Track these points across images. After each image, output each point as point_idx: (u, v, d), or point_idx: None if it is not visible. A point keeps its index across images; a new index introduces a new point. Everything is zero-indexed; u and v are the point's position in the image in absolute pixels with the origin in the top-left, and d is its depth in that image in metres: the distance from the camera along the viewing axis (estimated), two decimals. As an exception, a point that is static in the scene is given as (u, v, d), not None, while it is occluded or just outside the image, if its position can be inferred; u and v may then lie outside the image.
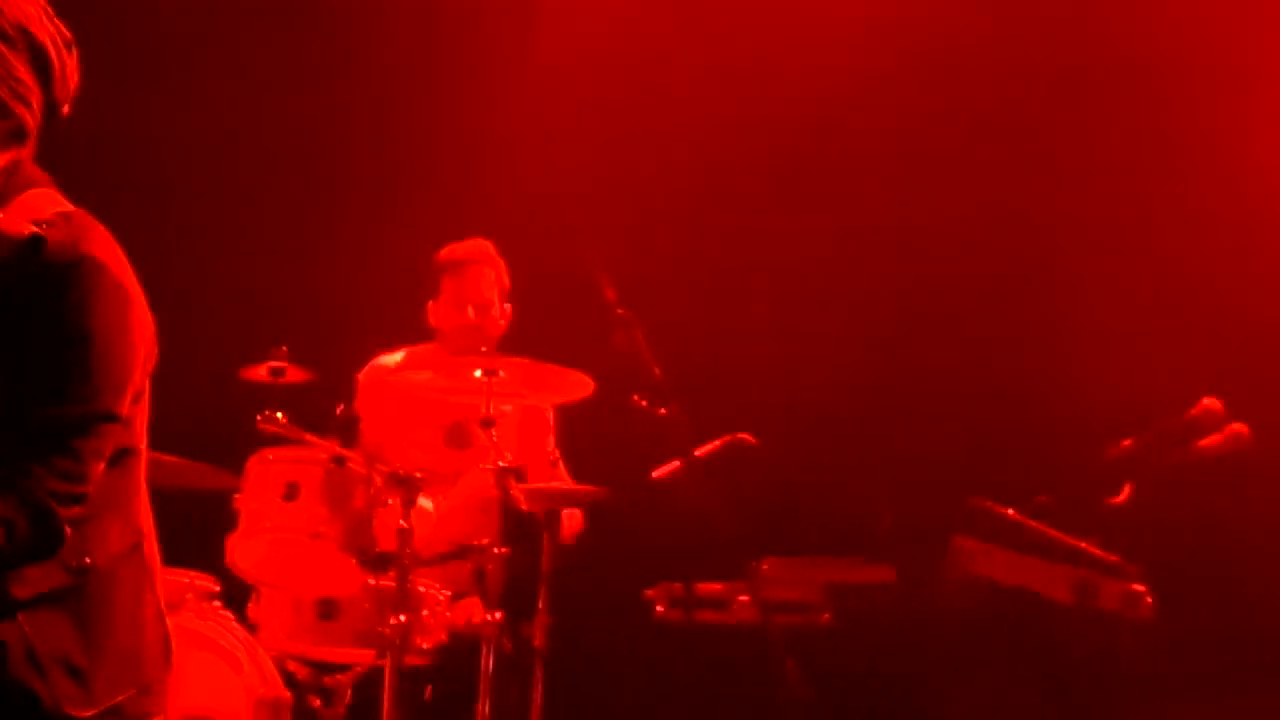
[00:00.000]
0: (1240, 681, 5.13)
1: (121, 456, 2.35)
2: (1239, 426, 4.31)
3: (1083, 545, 4.14)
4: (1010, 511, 4.10)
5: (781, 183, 5.63)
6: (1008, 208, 5.56)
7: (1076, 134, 5.60)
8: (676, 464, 4.81)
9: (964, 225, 5.62)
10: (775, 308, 5.58)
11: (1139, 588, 4.10)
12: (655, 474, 4.81)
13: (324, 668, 4.54)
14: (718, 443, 4.88)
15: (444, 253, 5.07)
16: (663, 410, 4.78)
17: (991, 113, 5.61)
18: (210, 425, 4.73)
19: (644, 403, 4.81)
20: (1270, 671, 5.16)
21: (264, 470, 4.51)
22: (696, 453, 4.79)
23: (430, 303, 5.05)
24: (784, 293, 5.58)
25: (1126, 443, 4.21)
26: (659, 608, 5.05)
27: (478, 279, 5.02)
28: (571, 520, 4.92)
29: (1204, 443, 4.28)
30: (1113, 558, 4.13)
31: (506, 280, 5.07)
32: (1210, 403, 4.27)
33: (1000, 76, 5.59)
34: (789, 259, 5.60)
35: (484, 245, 5.07)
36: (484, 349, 4.75)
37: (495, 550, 4.64)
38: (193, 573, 4.50)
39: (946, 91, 5.63)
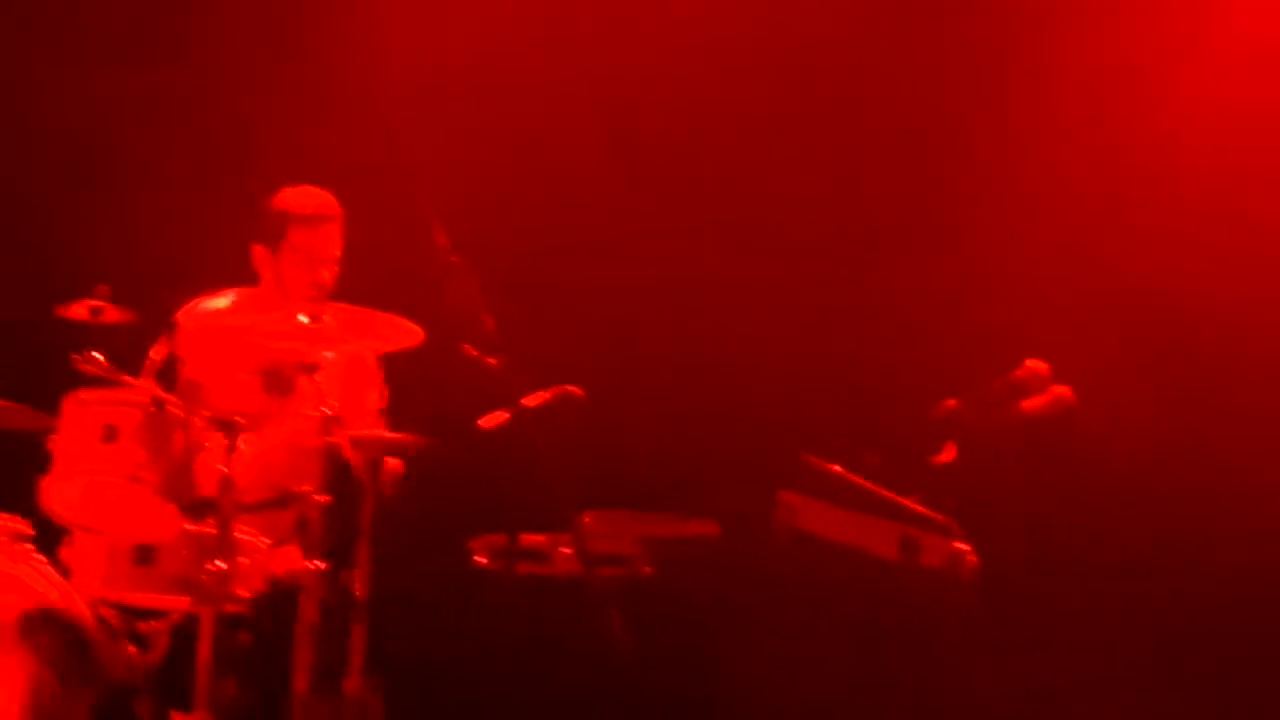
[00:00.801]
0: (1055, 638, 5.22)
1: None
2: (1062, 389, 4.36)
3: (907, 503, 4.17)
4: (837, 468, 4.12)
5: (615, 136, 5.61)
6: (840, 168, 5.58)
7: (903, 102, 5.64)
8: (504, 415, 4.78)
9: (795, 184, 5.63)
10: (606, 261, 5.56)
11: (961, 546, 4.14)
12: (482, 424, 4.77)
13: (140, 614, 4.47)
14: (546, 394, 4.85)
15: (290, 203, 4.96)
16: (493, 360, 4.75)
17: (822, 83, 5.63)
18: (25, 364, 4.63)
19: (474, 352, 4.78)
20: (1083, 627, 5.27)
21: (80, 412, 4.42)
22: (524, 404, 4.77)
23: (260, 247, 4.95)
24: (615, 246, 5.57)
25: (952, 402, 4.25)
26: (480, 559, 5.02)
27: (329, 237, 4.94)
28: (391, 470, 4.88)
29: (1027, 404, 4.33)
30: (936, 516, 4.16)
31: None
32: (1034, 365, 4.32)
33: (822, 48, 5.63)
34: (619, 212, 5.58)
35: (332, 201, 4.98)
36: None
37: (317, 498, 4.60)
38: (3, 515, 4.41)
39: (781, 58, 5.65)
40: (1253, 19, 5.42)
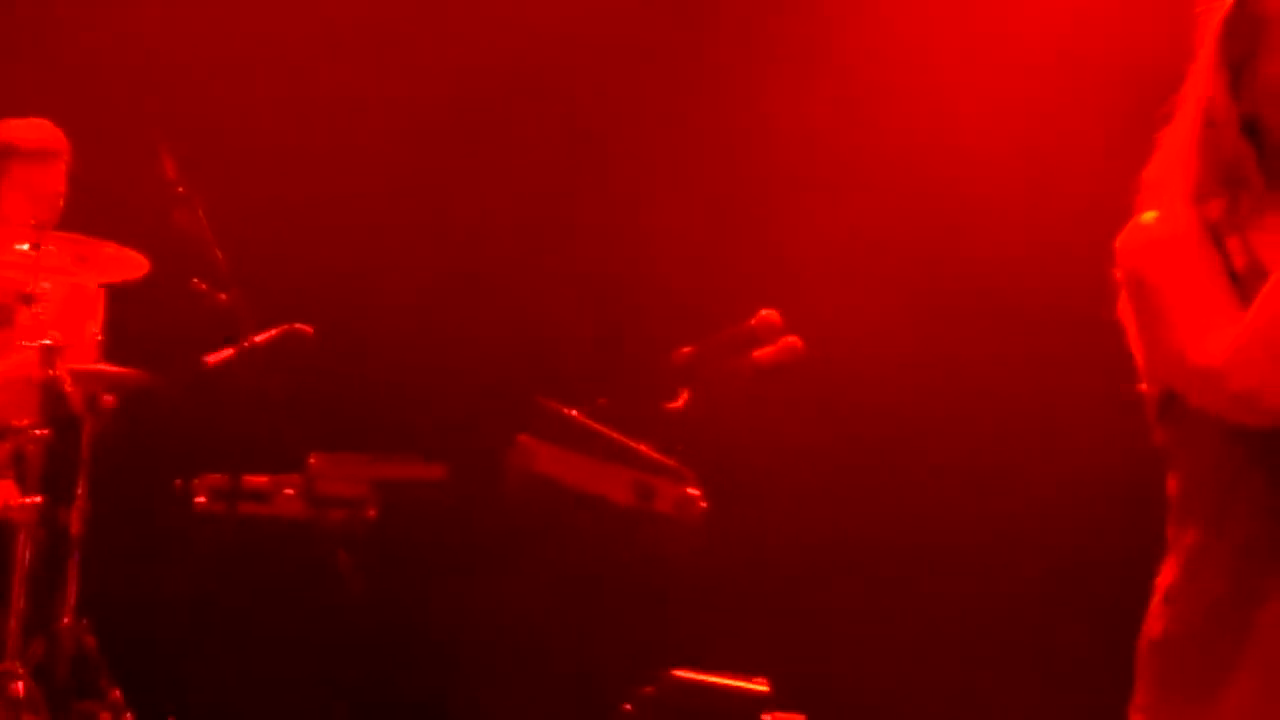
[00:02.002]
0: (783, 584, 5.32)
1: None
2: (792, 339, 4.40)
3: (641, 448, 4.18)
4: (574, 412, 4.12)
5: (353, 70, 5.53)
6: (576, 114, 5.58)
7: (638, 54, 5.67)
8: (231, 351, 4.70)
9: (532, 126, 5.62)
10: (339, 198, 5.48)
11: (693, 491, 4.16)
12: (208, 360, 4.68)
13: None
14: (274, 331, 4.78)
15: (13, 136, 4.79)
16: (222, 295, 4.67)
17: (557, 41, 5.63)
18: None
19: (203, 286, 4.69)
20: (806, 574, 5.38)
21: None
22: (252, 341, 4.69)
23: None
24: (352, 182, 5.49)
25: (687, 350, 4.26)
26: (200, 498, 4.93)
27: (54, 173, 4.80)
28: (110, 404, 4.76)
29: (759, 353, 4.35)
30: (670, 461, 4.18)
31: (66, 164, 4.88)
32: (768, 314, 4.35)
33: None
34: (353, 150, 5.51)
35: (58, 135, 4.82)
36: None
37: (35, 432, 4.48)
38: None
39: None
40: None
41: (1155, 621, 2.93)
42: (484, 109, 5.57)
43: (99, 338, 4.91)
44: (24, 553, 4.33)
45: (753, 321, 4.36)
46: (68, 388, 4.48)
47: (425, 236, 5.55)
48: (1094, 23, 5.33)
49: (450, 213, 5.58)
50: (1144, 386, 2.93)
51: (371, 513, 4.98)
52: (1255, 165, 2.88)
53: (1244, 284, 2.80)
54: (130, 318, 4.95)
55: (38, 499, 4.36)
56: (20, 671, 4.31)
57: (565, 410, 4.22)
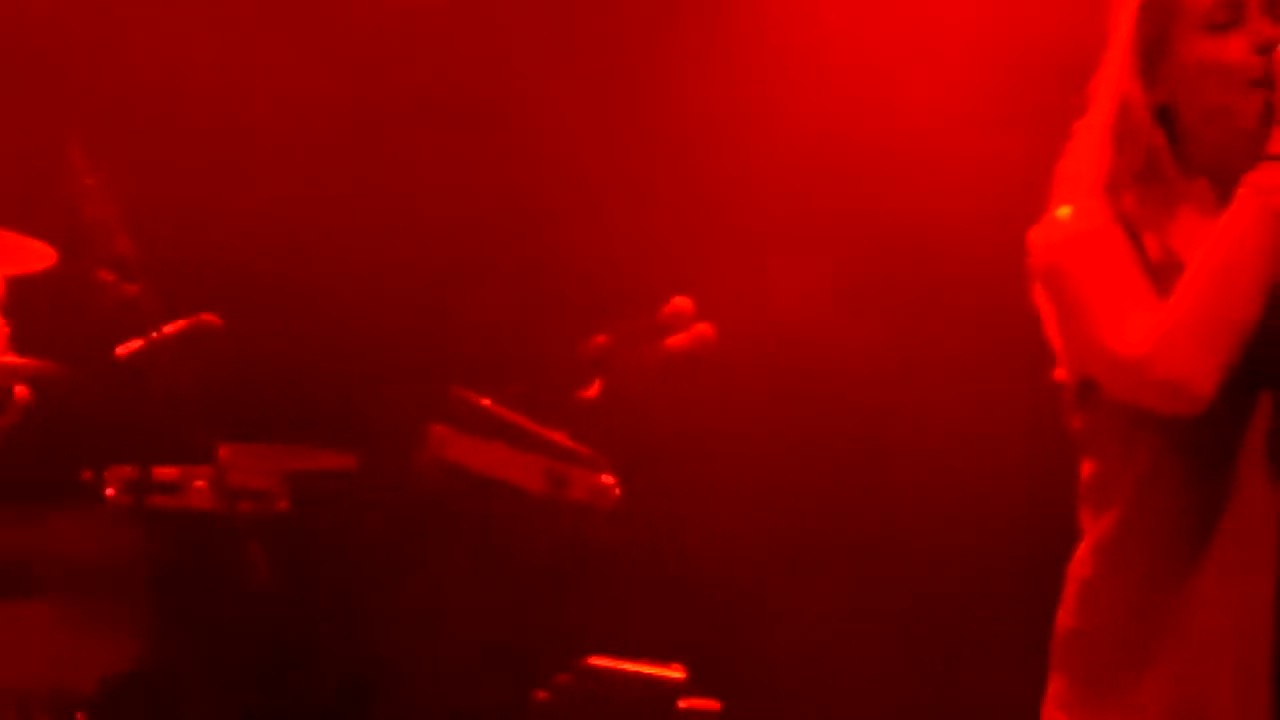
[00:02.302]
0: (699, 571, 5.33)
1: None
2: (705, 327, 4.41)
3: (555, 437, 4.19)
4: (486, 401, 4.11)
5: (258, 61, 5.50)
6: (489, 104, 5.57)
7: (551, 39, 5.66)
8: (139, 342, 4.66)
9: (445, 116, 5.61)
10: (249, 186, 5.45)
11: (607, 479, 4.17)
12: (118, 352, 4.64)
13: None
14: (183, 322, 4.74)
15: None
16: (131, 286, 4.63)
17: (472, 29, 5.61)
18: None
19: (110, 277, 4.65)
20: (713, 565, 5.40)
21: None
22: (161, 332, 4.65)
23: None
24: (260, 172, 5.46)
25: (600, 338, 4.27)
26: (109, 491, 4.89)
27: None
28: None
29: (671, 341, 4.37)
30: (583, 449, 4.19)
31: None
32: (680, 302, 4.37)
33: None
34: (267, 134, 5.48)
35: None
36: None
37: (-59, 425, 4.43)
38: None
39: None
40: None
41: (1070, 613, 2.94)
42: (395, 97, 5.55)
43: (5, 330, 4.86)
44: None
45: (666, 309, 4.37)
46: (-25, 380, 4.43)
47: (335, 225, 5.52)
48: (1020, 6, 5.35)
49: (360, 200, 5.56)
50: (1060, 373, 2.95)
51: (283, 504, 4.95)
52: (1168, 154, 2.90)
53: (1160, 275, 2.83)
54: (37, 310, 4.90)
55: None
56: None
57: (478, 399, 4.21)
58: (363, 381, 5.36)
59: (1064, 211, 2.92)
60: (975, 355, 5.24)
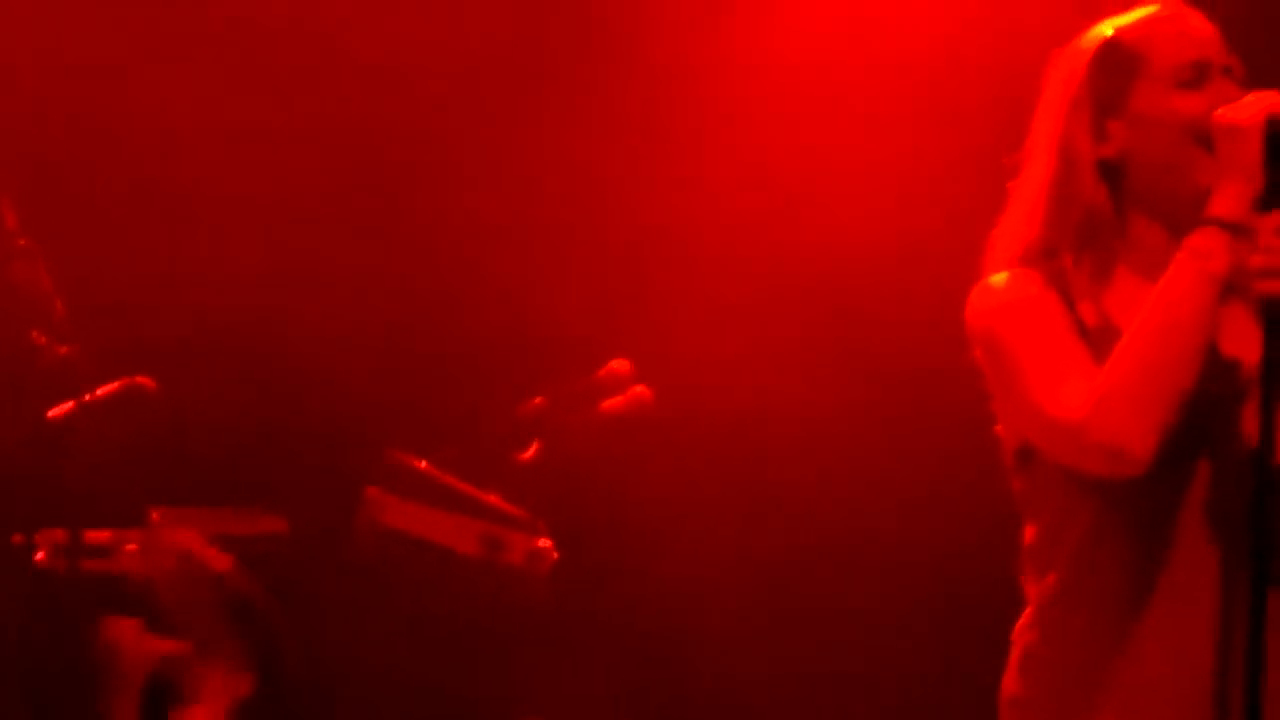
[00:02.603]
0: (635, 634, 5.31)
1: None
2: (642, 389, 4.41)
3: (491, 500, 4.17)
4: (423, 464, 4.09)
5: (198, 119, 5.47)
6: (427, 160, 5.56)
7: (489, 94, 5.66)
8: (71, 405, 4.63)
9: (380, 173, 5.60)
10: (182, 249, 5.42)
11: (545, 543, 4.15)
12: (49, 415, 4.60)
13: None
14: (115, 385, 4.71)
15: None
16: (63, 349, 4.59)
17: (407, 76, 5.60)
18: None
19: (42, 340, 4.61)
20: (654, 628, 5.38)
21: None
22: (93, 395, 4.62)
23: None
24: (190, 232, 5.44)
25: (537, 400, 4.26)
26: (39, 554, 4.85)
27: None
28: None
29: (608, 403, 4.36)
30: (520, 513, 4.17)
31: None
32: (618, 364, 4.36)
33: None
34: (194, 199, 5.46)
35: None
36: None
37: None
38: None
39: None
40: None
41: (1014, 679, 2.94)
42: (331, 159, 5.53)
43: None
44: None
45: (602, 372, 4.36)
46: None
47: (269, 287, 5.49)
48: (960, 52, 5.37)
49: (295, 263, 5.52)
50: (1000, 430, 2.95)
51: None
52: (1110, 212, 2.91)
53: (1096, 341, 2.84)
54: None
55: None
56: None
57: (413, 461, 4.19)
58: (298, 444, 5.32)
59: (999, 278, 2.92)
60: (918, 412, 5.24)
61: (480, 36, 5.59)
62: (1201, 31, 2.92)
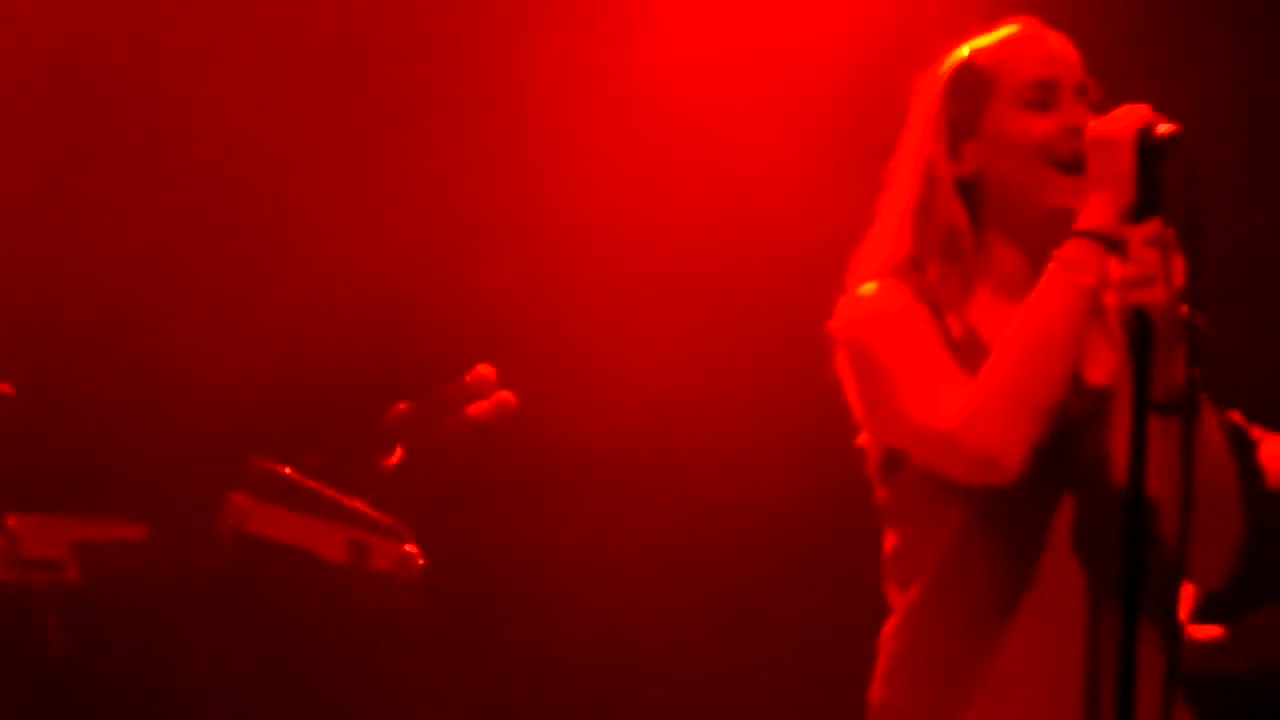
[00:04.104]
0: (502, 640, 5.30)
1: None
2: (506, 395, 4.41)
3: (357, 506, 4.15)
4: (288, 470, 4.07)
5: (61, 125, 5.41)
6: (283, 159, 5.53)
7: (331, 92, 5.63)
8: (-74, 412, 4.55)
9: (233, 176, 5.55)
10: (42, 255, 5.36)
11: (411, 549, 4.15)
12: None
13: None
14: (-30, 392, 4.64)
15: None
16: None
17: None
18: None
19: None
20: (524, 630, 5.38)
21: None
22: (-52, 402, 4.55)
23: None
24: (51, 240, 5.37)
25: (403, 406, 4.25)
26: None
27: None
28: None
29: (473, 409, 4.36)
30: (386, 519, 4.16)
31: None
32: (484, 370, 4.36)
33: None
34: (57, 204, 5.39)
35: None
36: None
37: None
38: None
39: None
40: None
41: (881, 685, 2.96)
42: (185, 164, 5.48)
43: None
44: None
45: (468, 377, 4.36)
46: None
47: (128, 293, 5.44)
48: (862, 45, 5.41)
49: (153, 267, 5.48)
50: (864, 440, 2.97)
51: (72, 574, 4.85)
52: (969, 230, 2.94)
53: (962, 353, 2.86)
54: None
55: None
56: None
57: (278, 468, 4.17)
58: (159, 450, 5.27)
59: (868, 288, 2.94)
60: (815, 420, 5.27)
61: (376, 29, 5.58)
62: (1054, 52, 2.95)
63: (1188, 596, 4.22)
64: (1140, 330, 2.75)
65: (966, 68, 2.97)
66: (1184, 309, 2.75)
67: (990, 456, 2.75)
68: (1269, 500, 4.20)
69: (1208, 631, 4.45)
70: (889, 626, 2.95)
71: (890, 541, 2.95)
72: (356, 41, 5.59)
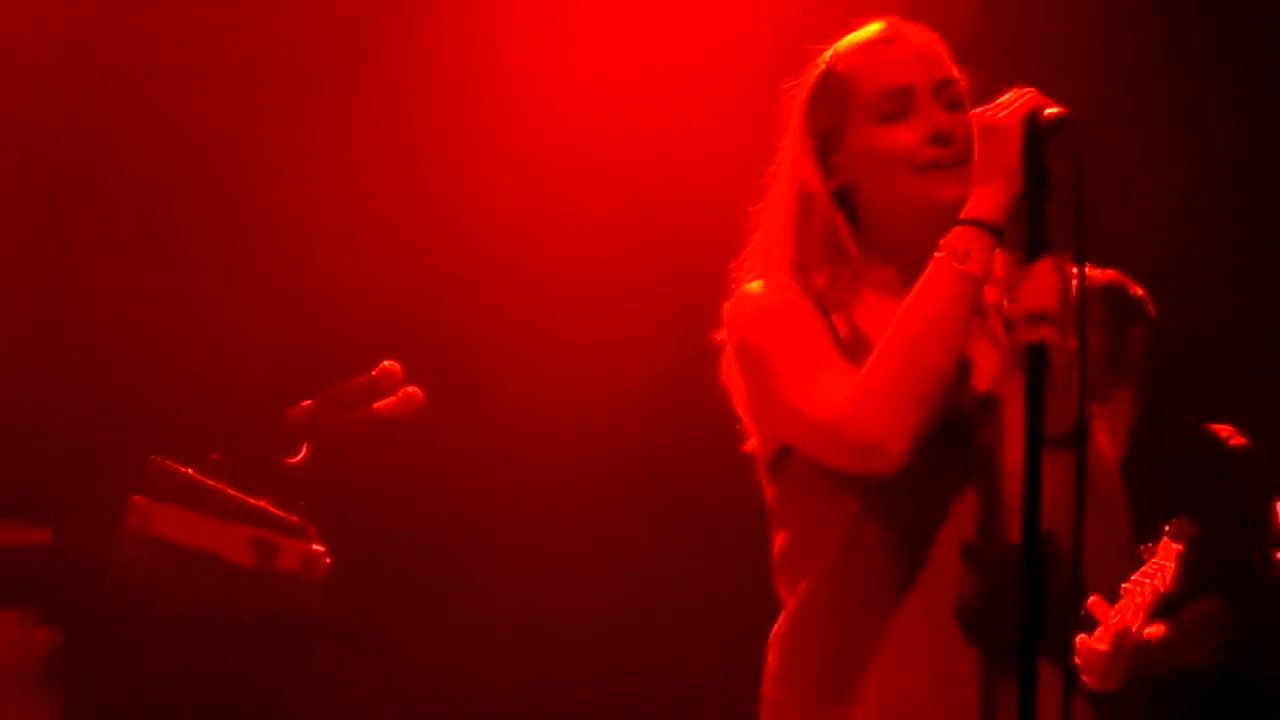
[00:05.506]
0: (408, 637, 5.27)
1: None
2: (413, 389, 4.36)
3: (261, 505, 4.09)
4: (190, 471, 4.00)
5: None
6: (190, 161, 5.48)
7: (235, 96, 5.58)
8: None
9: (136, 172, 5.50)
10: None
11: (318, 548, 4.09)
12: None
13: None
14: None
15: None
16: None
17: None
18: None
19: None
20: (432, 627, 5.34)
21: None
22: None
23: None
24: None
25: (308, 403, 4.19)
26: None
27: None
28: None
29: (379, 405, 4.31)
30: (291, 517, 4.10)
31: None
32: (390, 365, 4.32)
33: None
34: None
35: None
36: None
37: None
38: None
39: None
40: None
41: (771, 682, 2.95)
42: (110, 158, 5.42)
43: None
44: None
45: (374, 373, 4.31)
46: None
47: (23, 289, 5.37)
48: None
49: (52, 265, 5.41)
50: (751, 446, 2.96)
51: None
52: (850, 237, 2.93)
53: (849, 352, 2.86)
54: None
55: None
56: None
57: (180, 468, 4.10)
58: (60, 452, 5.21)
59: (755, 285, 2.94)
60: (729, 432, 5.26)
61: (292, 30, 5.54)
62: (909, 55, 2.93)
63: (1144, 602, 4.25)
64: (1034, 365, 2.75)
65: (824, 80, 2.96)
66: (1073, 343, 2.76)
67: (874, 443, 2.75)
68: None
69: (1155, 630, 4.48)
70: (778, 626, 2.95)
71: (779, 541, 2.95)
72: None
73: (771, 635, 2.98)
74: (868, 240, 2.96)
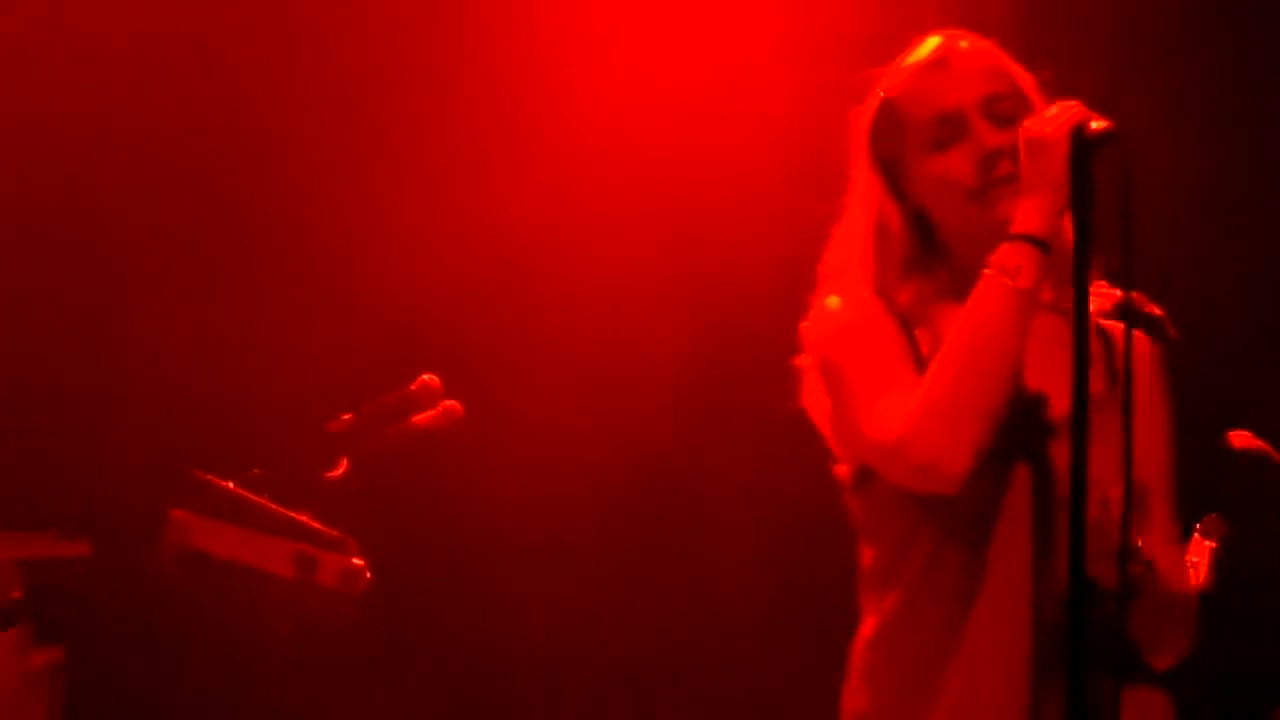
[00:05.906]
0: (448, 654, 5.27)
1: None
2: (451, 403, 4.37)
3: (302, 519, 4.09)
4: (230, 485, 4.01)
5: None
6: (212, 175, 5.49)
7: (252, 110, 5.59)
8: None
9: (165, 190, 5.51)
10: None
11: (358, 562, 4.09)
12: None
13: None
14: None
15: None
16: None
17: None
18: None
19: None
20: (471, 644, 5.34)
21: None
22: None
23: None
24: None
25: (347, 417, 4.20)
26: None
27: None
28: None
29: (418, 418, 4.31)
30: (331, 532, 4.10)
31: None
32: (428, 379, 4.32)
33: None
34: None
35: None
36: None
37: None
38: None
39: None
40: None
41: (854, 694, 2.96)
42: (153, 166, 5.43)
43: None
44: None
45: (413, 386, 4.32)
46: None
47: (61, 305, 5.39)
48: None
49: (91, 280, 5.43)
50: (839, 469, 2.97)
51: (16, 593, 4.79)
52: (928, 252, 2.94)
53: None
54: None
55: None
56: None
57: (220, 482, 4.10)
58: (101, 465, 5.22)
59: (834, 301, 2.94)
60: (757, 441, 5.24)
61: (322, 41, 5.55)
62: (958, 73, 2.93)
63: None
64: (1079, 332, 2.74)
65: (881, 111, 2.99)
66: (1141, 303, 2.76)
67: (932, 463, 2.75)
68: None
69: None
70: (863, 635, 2.95)
71: (866, 556, 2.96)
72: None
73: (854, 646, 3.00)
74: (947, 256, 2.98)
